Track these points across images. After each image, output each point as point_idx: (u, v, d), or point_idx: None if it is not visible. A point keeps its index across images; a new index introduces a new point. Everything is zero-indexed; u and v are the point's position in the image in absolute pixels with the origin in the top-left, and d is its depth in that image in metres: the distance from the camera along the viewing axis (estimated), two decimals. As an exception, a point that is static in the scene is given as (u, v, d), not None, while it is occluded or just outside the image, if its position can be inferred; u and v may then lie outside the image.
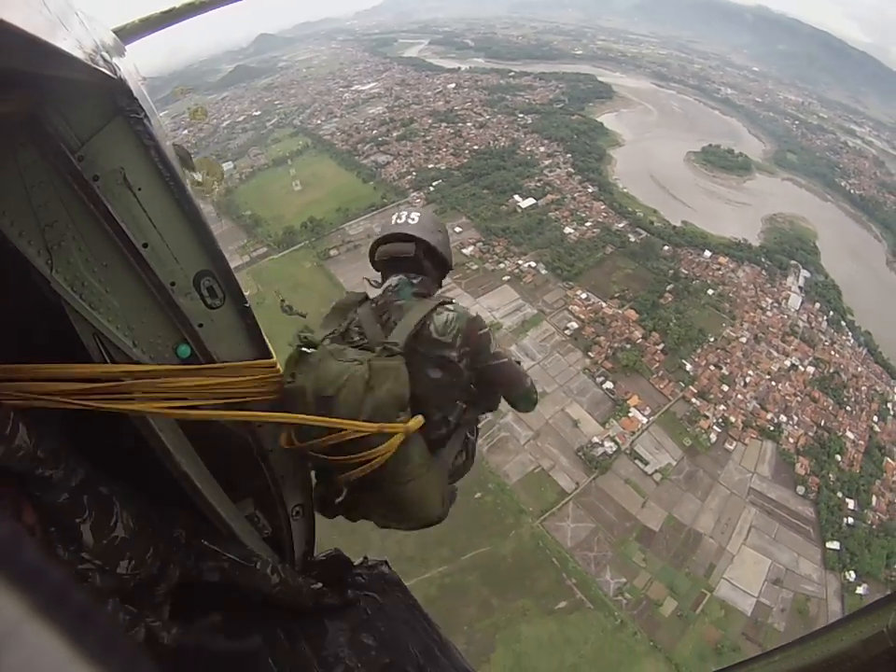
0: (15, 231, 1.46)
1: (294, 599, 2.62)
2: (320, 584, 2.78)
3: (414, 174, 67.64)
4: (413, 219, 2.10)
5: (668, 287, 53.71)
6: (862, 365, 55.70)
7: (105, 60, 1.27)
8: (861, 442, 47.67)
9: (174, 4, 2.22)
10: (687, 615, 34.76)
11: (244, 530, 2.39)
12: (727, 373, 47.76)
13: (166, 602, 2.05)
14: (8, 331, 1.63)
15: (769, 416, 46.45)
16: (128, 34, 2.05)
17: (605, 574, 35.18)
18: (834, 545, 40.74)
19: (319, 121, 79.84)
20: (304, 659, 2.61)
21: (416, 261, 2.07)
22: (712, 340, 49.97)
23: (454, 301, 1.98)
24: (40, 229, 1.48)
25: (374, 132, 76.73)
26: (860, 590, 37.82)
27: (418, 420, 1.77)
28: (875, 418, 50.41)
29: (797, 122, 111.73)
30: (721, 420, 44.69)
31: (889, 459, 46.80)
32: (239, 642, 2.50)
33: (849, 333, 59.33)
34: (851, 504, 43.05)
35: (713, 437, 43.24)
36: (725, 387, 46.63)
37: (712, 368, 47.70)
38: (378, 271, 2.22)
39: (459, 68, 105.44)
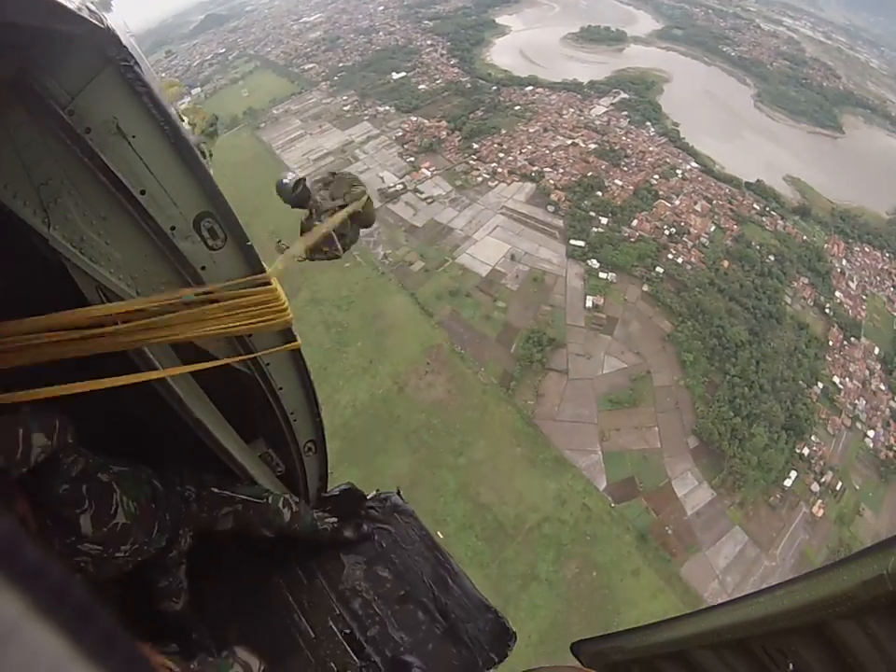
0: (9, 193, 1.46)
1: (310, 535, 2.74)
2: (335, 519, 2.97)
3: (327, 71, 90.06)
4: None
5: (481, 108, 69.99)
6: (657, 147, 63.59)
7: (90, 10, 1.25)
8: (631, 187, 54.17)
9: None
10: (430, 271, 48.15)
11: (258, 470, 2.51)
12: (506, 147, 62.35)
13: (180, 564, 2.27)
14: (11, 293, 1.65)
15: (535, 168, 58.39)
16: None
17: (378, 249, 52.54)
18: (579, 243, 48.12)
19: (269, 49, 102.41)
20: (322, 594, 2.76)
21: None
22: (504, 132, 65.17)
23: None
24: (35, 188, 1.48)
25: (308, 49, 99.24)
26: (603, 275, 46.16)
27: None
28: (657, 176, 57.00)
29: (710, 11, 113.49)
30: (490, 172, 59.22)
31: (663, 202, 53.34)
32: (258, 582, 2.63)
33: (652, 129, 66.87)
34: (605, 221, 49.77)
35: (479, 179, 58.34)
36: (501, 155, 61.34)
37: (496, 146, 62.56)
38: None
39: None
